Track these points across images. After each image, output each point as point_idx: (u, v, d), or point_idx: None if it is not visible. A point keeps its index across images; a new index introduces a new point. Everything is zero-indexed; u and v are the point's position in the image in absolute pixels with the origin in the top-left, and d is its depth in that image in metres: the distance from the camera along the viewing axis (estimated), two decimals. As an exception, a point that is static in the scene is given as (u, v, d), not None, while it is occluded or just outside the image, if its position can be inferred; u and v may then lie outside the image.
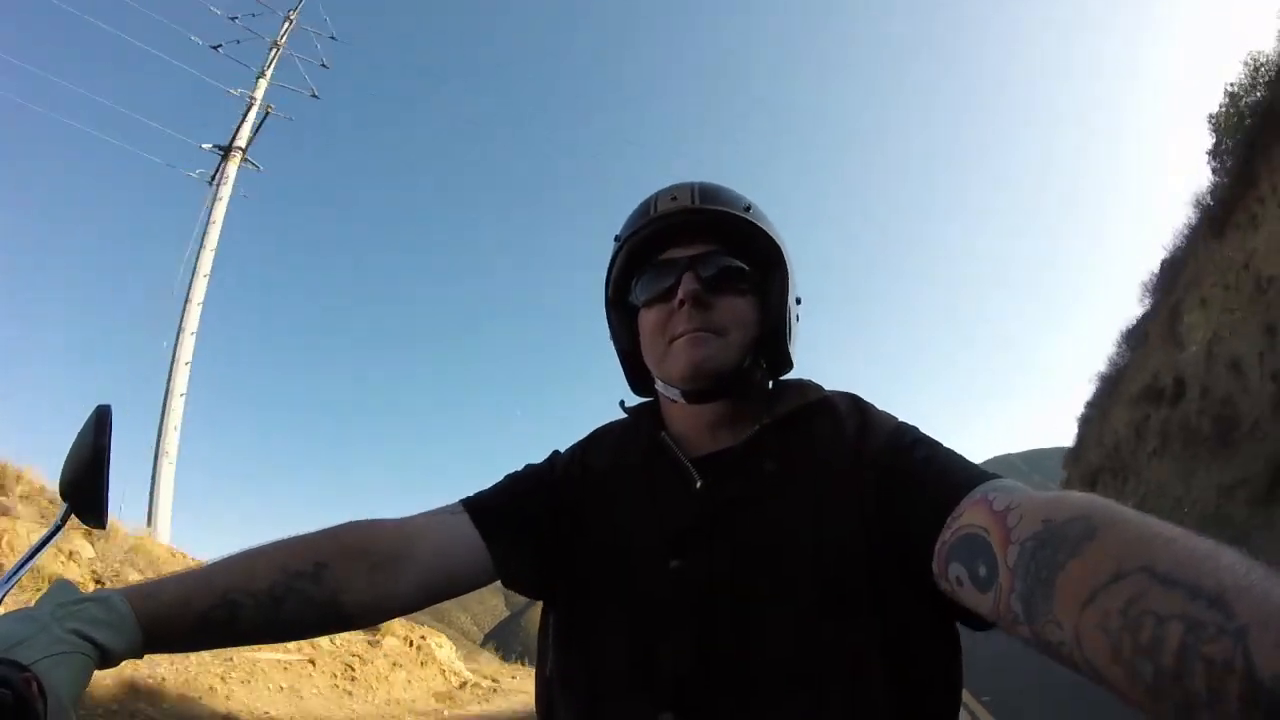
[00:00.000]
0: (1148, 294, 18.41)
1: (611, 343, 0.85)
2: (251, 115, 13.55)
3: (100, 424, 0.61)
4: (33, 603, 0.51)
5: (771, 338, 0.76)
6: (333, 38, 15.15)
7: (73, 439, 0.62)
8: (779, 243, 0.77)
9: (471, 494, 0.80)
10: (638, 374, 0.83)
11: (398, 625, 8.97)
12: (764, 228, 0.76)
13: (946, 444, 0.68)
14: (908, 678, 0.62)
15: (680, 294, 0.71)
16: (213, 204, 12.72)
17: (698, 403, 0.75)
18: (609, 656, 0.68)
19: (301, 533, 0.68)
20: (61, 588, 0.53)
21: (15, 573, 0.55)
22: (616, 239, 0.79)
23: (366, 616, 0.67)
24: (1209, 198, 14.38)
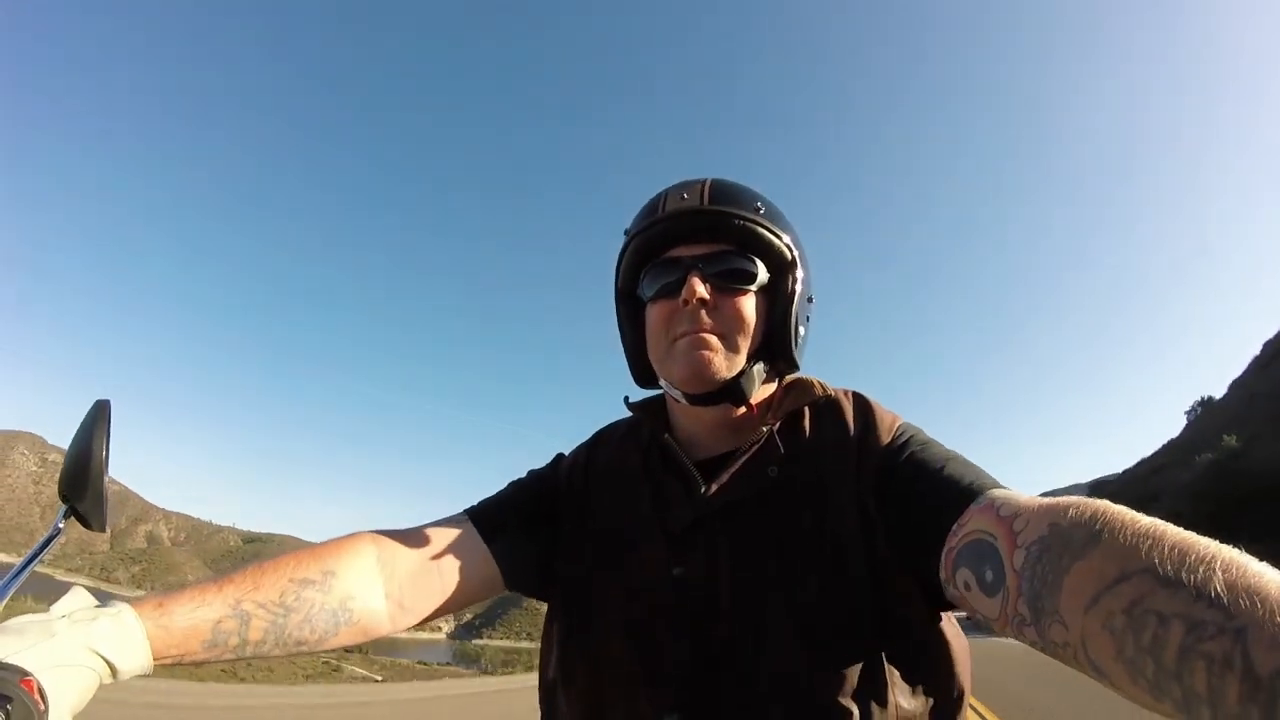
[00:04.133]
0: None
1: (619, 334, 0.84)
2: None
3: (98, 420, 0.59)
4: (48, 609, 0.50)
5: (777, 341, 0.74)
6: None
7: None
8: (790, 245, 0.75)
9: (475, 502, 0.80)
10: (642, 367, 0.81)
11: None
12: (774, 229, 0.73)
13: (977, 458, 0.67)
14: (913, 680, 0.62)
15: (684, 294, 0.70)
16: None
17: (699, 405, 0.74)
18: (613, 658, 0.68)
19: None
20: (75, 597, 0.52)
21: (17, 574, 0.54)
22: (626, 233, 0.78)
23: (378, 625, 0.67)
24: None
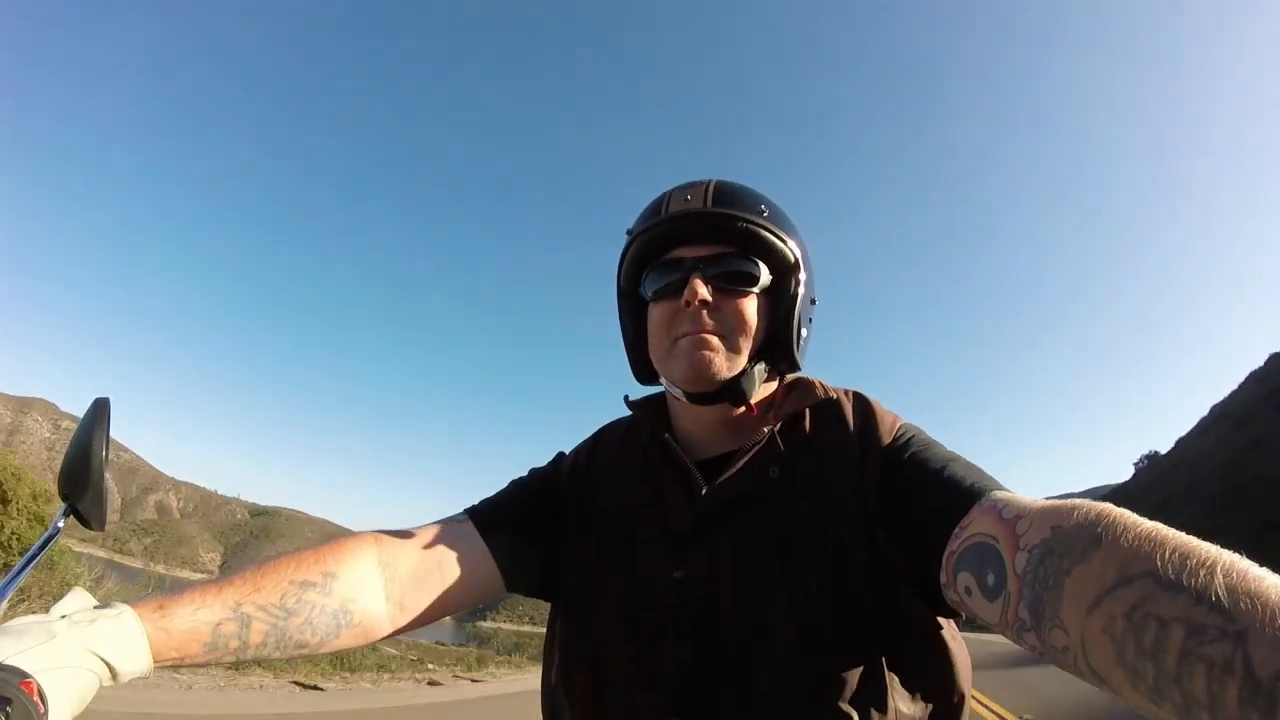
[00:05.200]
0: None
1: (620, 332, 0.83)
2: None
3: (98, 418, 0.59)
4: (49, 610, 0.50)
5: (779, 342, 0.74)
6: None
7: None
8: (793, 248, 0.75)
9: (476, 502, 0.80)
10: (643, 365, 0.81)
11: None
12: (777, 232, 0.73)
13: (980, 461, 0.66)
14: (912, 682, 0.62)
15: (686, 295, 0.70)
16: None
17: (700, 404, 0.74)
18: (613, 660, 0.69)
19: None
20: (75, 598, 0.51)
21: (17, 574, 0.54)
22: (629, 233, 0.78)
23: (378, 627, 0.67)
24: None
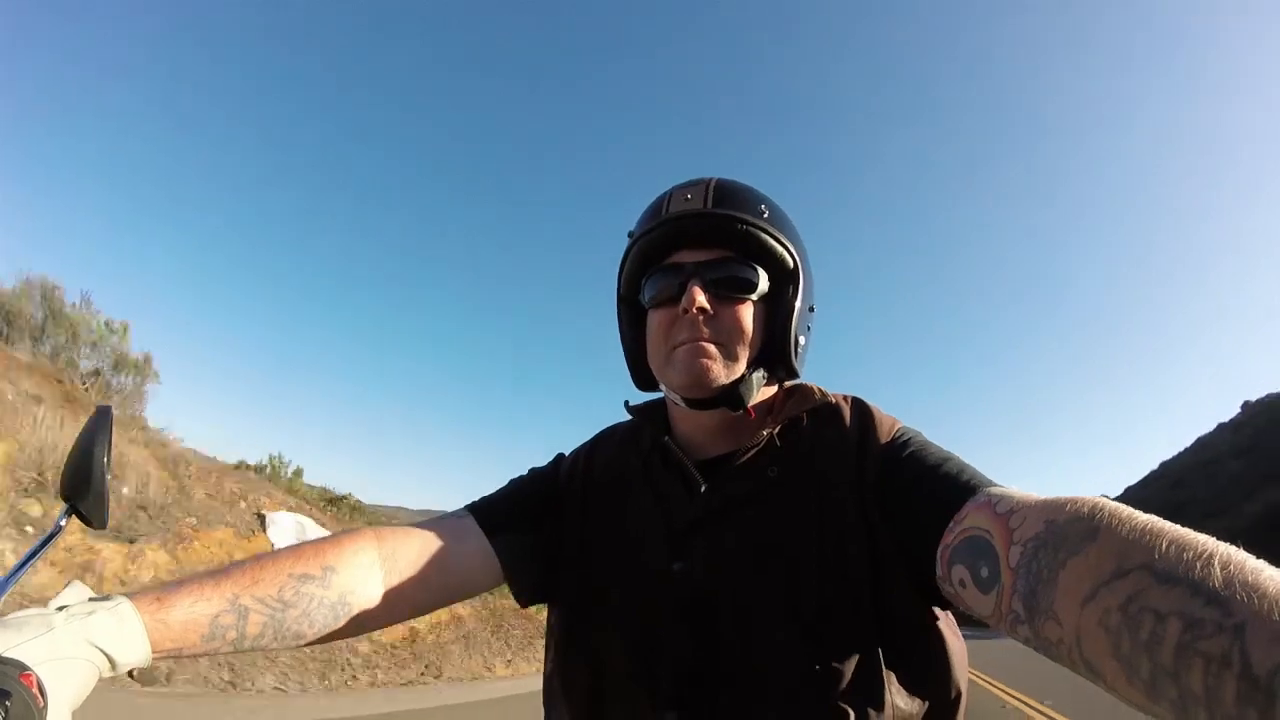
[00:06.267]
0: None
1: (619, 338, 0.84)
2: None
3: (101, 425, 0.62)
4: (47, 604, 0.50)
5: (777, 350, 0.75)
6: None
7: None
8: (794, 251, 0.75)
9: (477, 498, 0.81)
10: (643, 372, 0.82)
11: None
12: (778, 235, 0.74)
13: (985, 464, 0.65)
14: (910, 680, 0.63)
15: (684, 303, 0.71)
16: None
17: (698, 409, 0.75)
18: (612, 656, 0.69)
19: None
20: (73, 591, 0.52)
21: (17, 571, 0.55)
22: (630, 235, 0.79)
23: (376, 620, 0.68)
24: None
